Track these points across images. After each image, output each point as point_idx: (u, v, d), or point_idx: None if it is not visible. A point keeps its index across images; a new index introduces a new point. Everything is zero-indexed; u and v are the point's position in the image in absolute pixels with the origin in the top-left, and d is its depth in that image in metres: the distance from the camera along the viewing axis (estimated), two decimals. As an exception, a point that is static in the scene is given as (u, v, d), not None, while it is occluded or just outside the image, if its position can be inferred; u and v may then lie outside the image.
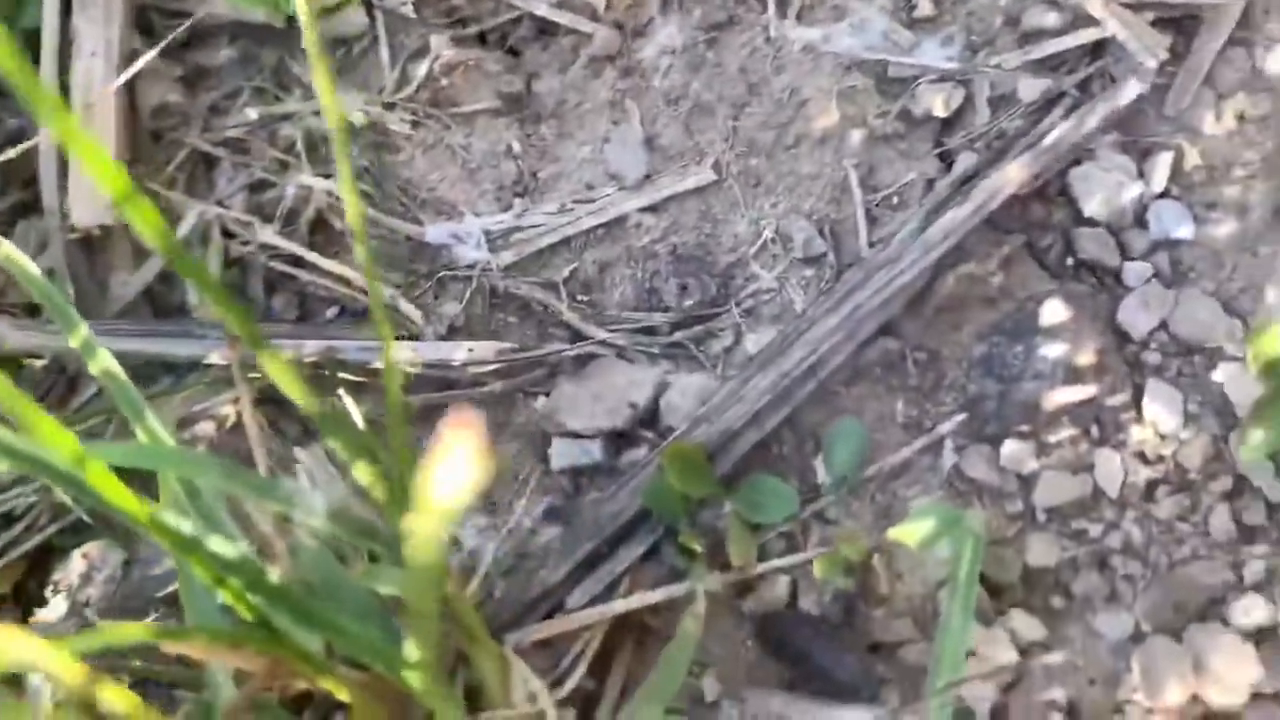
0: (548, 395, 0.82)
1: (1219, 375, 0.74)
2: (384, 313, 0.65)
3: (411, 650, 0.58)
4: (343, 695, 0.63)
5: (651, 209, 0.85)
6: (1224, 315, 0.75)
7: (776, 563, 0.76)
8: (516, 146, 0.87)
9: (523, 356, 0.81)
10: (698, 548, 0.72)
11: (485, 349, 0.81)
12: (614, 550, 0.74)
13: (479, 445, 0.42)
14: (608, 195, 0.86)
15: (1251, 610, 0.67)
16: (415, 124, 0.88)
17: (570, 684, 0.71)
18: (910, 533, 0.68)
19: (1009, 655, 0.69)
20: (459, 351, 0.80)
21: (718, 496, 0.75)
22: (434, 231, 0.88)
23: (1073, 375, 0.75)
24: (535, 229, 0.86)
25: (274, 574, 0.58)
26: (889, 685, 0.72)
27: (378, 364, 0.81)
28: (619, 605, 0.72)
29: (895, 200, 0.83)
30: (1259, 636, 0.68)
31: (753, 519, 0.76)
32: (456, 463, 0.41)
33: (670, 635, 0.73)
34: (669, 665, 0.64)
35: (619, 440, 0.80)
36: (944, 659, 0.66)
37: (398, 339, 0.83)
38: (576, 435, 0.79)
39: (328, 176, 0.88)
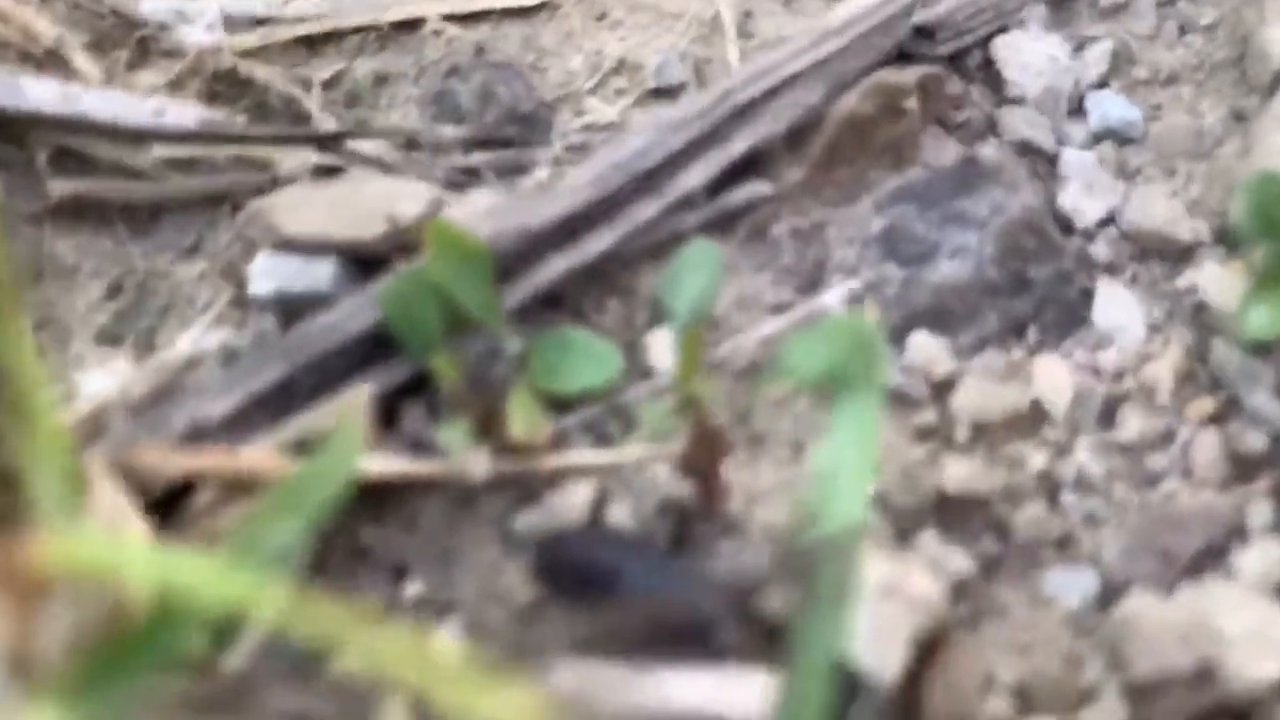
0: (269, 206, 0.52)
1: (1188, 280, 0.52)
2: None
3: None
4: None
5: (458, 19, 0.60)
6: (1186, 216, 0.55)
7: (577, 458, 0.47)
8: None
9: (242, 140, 0.51)
10: (456, 382, 0.42)
11: (183, 114, 0.50)
12: (320, 387, 0.42)
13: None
14: (403, -6, 0.60)
15: (1266, 559, 0.43)
16: None
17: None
18: (795, 367, 0.40)
19: (927, 588, 0.41)
20: (138, 109, 0.50)
21: (500, 335, 0.45)
22: (151, 4, 0.59)
23: (1003, 256, 0.52)
24: (296, 20, 0.59)
25: None
26: (731, 645, 0.43)
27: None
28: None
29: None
30: None
31: (549, 387, 0.46)
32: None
33: (411, 521, 0.41)
34: (295, 494, 0.32)
35: (366, 268, 0.50)
36: (826, 518, 0.36)
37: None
38: (297, 247, 0.49)
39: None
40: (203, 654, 0.37)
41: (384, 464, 0.42)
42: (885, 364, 0.45)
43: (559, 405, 0.46)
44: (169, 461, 0.39)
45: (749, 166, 0.51)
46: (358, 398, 0.39)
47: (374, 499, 0.44)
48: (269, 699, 0.35)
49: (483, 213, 0.46)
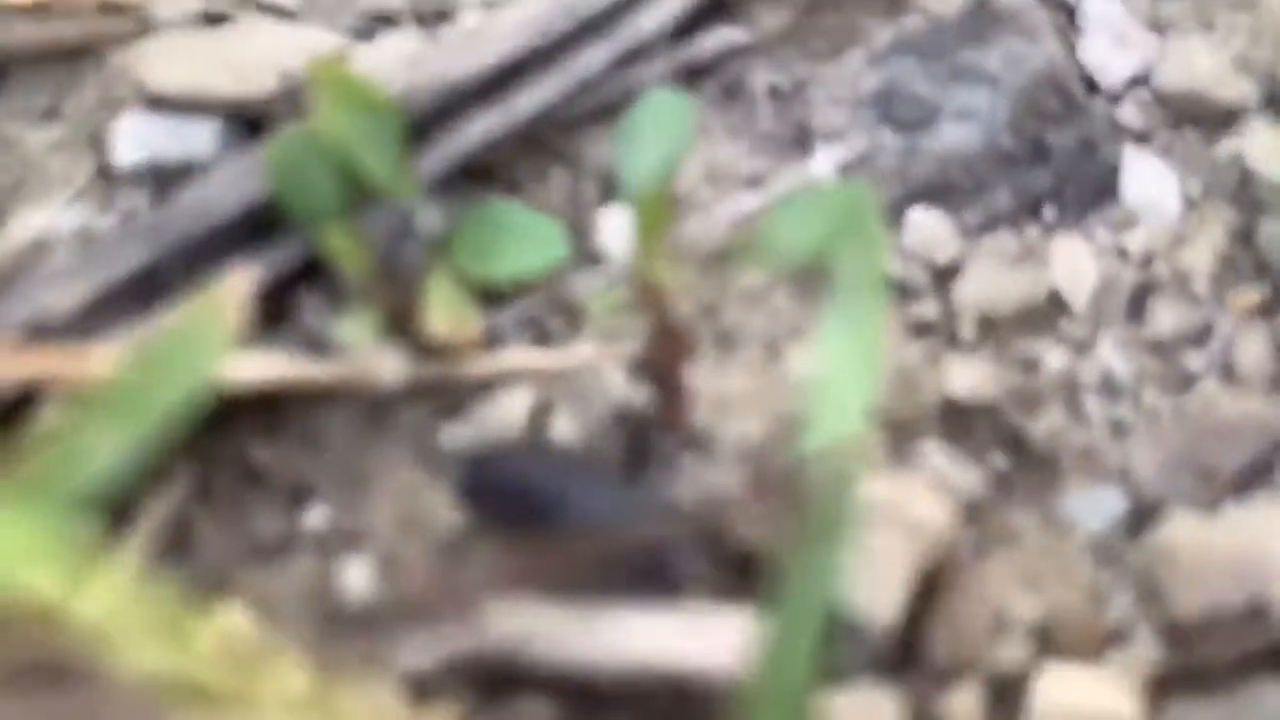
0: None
1: (1231, 148, 0.45)
2: None
3: None
4: None
5: None
6: (1230, 73, 0.48)
7: (512, 360, 0.39)
8: None
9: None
10: (361, 265, 0.34)
11: (27, -57, 0.42)
12: (192, 274, 0.34)
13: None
14: None
15: (1327, 478, 0.37)
16: None
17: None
18: (776, 246, 0.33)
19: (929, 512, 0.35)
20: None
21: (414, 206, 0.37)
22: None
23: (1019, 120, 0.45)
24: None
25: None
26: (696, 582, 0.37)
27: None
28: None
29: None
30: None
31: (478, 272, 0.39)
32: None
33: (312, 436, 0.34)
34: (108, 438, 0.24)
35: (255, 131, 0.41)
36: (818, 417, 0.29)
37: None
38: (172, 106, 0.41)
39: None
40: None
41: (274, 366, 0.34)
42: (885, 244, 0.38)
43: (489, 295, 0.38)
44: (2, 364, 0.32)
45: (719, 9, 0.43)
46: (238, 283, 0.32)
47: (266, 409, 0.36)
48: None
49: (395, 61, 0.38)
